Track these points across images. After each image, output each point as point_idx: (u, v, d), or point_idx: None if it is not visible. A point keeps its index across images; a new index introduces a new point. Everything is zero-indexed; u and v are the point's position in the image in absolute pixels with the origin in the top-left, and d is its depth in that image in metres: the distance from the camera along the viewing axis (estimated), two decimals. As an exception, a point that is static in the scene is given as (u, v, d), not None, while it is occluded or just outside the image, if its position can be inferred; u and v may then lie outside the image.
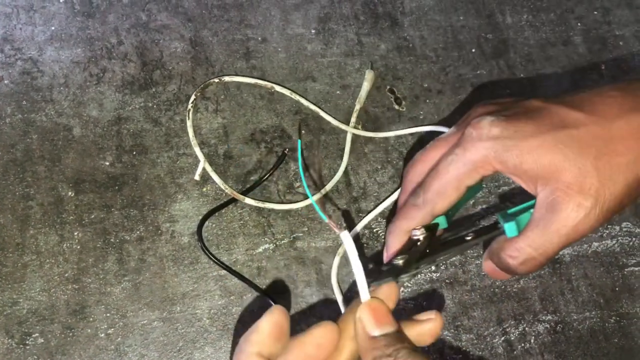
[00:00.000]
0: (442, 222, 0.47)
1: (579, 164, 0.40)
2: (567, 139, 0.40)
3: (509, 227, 0.44)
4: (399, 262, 0.43)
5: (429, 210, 0.45)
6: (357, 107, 0.62)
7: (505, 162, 0.41)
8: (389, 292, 0.41)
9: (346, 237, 0.40)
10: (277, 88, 0.62)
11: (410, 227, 0.46)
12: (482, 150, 0.42)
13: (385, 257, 0.49)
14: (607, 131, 0.40)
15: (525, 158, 0.41)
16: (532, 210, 0.43)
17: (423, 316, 0.41)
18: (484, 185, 0.52)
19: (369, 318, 0.39)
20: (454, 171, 0.43)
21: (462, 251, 0.46)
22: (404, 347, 0.38)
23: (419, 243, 0.45)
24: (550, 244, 0.41)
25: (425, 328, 0.41)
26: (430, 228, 0.46)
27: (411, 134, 0.62)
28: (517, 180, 0.43)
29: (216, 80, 0.62)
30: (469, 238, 0.45)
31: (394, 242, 0.48)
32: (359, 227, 0.58)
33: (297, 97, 0.62)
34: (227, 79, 0.62)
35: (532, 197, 0.43)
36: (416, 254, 0.44)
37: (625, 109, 0.41)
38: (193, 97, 0.61)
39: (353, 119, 0.62)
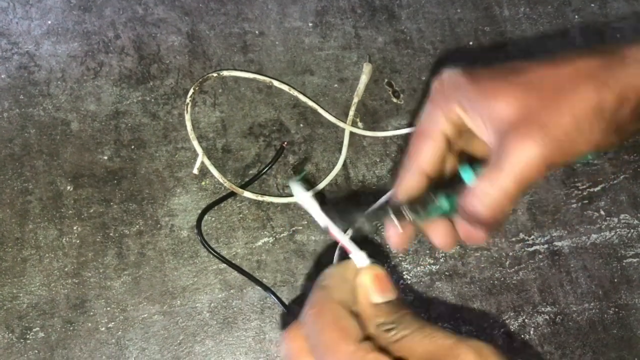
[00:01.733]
0: (445, 204, 0.47)
1: (525, 102, 0.40)
2: (516, 81, 0.42)
3: (465, 173, 0.44)
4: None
5: (415, 167, 0.45)
6: (355, 100, 0.62)
7: (465, 108, 0.43)
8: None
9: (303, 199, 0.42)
10: (276, 83, 0.62)
11: (407, 186, 0.46)
12: (446, 97, 0.44)
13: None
14: (555, 72, 0.42)
15: (480, 102, 0.42)
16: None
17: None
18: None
19: (372, 285, 0.40)
20: (426, 120, 0.45)
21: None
22: (406, 313, 0.38)
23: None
24: (509, 182, 0.41)
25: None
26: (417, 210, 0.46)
27: (409, 127, 0.62)
28: (476, 130, 0.43)
29: (214, 74, 0.62)
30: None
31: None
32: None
33: (296, 93, 0.62)
34: (225, 73, 0.62)
35: None
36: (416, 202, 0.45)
37: (574, 57, 0.42)
38: (192, 91, 0.61)
39: (351, 113, 0.62)
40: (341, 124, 0.61)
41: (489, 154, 0.42)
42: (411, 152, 0.46)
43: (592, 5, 0.69)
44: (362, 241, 0.49)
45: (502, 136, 0.41)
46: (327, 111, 0.62)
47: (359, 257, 0.41)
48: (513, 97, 0.41)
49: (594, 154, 0.63)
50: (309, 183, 0.59)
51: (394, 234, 0.46)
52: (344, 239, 0.42)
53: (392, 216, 0.44)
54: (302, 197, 0.43)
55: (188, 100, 0.60)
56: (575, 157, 0.42)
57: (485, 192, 0.42)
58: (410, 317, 0.38)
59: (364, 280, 0.40)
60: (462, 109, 0.43)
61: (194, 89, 0.61)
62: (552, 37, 0.67)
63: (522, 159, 0.40)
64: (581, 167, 0.62)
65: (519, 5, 0.69)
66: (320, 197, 0.59)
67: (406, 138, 0.62)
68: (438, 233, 0.47)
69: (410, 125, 0.62)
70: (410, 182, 0.46)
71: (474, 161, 0.46)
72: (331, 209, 0.44)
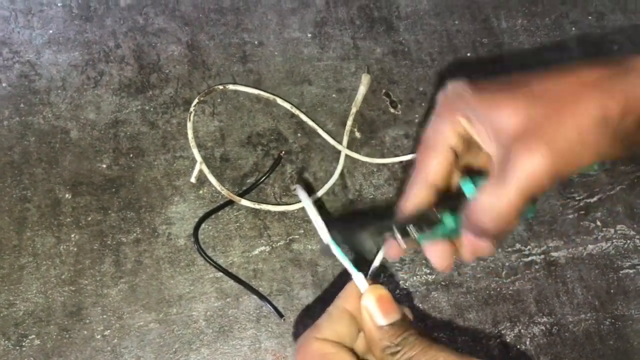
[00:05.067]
0: (450, 222, 0.46)
1: (529, 113, 0.40)
2: (520, 92, 0.41)
3: (466, 186, 0.44)
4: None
5: (422, 180, 0.45)
6: (354, 110, 0.62)
7: (470, 119, 0.43)
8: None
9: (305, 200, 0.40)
10: (279, 101, 0.62)
11: (414, 201, 0.45)
12: (450, 108, 0.43)
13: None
14: (559, 83, 0.41)
15: (484, 113, 0.41)
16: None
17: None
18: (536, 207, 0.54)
19: (376, 308, 0.40)
20: (432, 133, 0.45)
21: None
22: (410, 334, 0.39)
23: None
24: (514, 194, 0.40)
25: None
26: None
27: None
28: (481, 142, 0.43)
29: (220, 87, 0.62)
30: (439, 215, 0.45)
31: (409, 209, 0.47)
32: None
33: (297, 112, 0.62)
34: (231, 87, 0.62)
35: None
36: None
37: (577, 68, 0.42)
38: (196, 100, 0.61)
39: (349, 123, 0.62)
40: (338, 146, 0.61)
41: (493, 165, 0.42)
42: (418, 165, 0.45)
43: (590, 17, 0.70)
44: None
45: (506, 148, 0.41)
46: (325, 122, 0.62)
47: (358, 281, 0.41)
48: (517, 109, 0.41)
49: (599, 164, 0.63)
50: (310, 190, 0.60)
51: (395, 251, 0.46)
52: (344, 261, 0.42)
53: (398, 235, 0.44)
54: (311, 212, 0.42)
55: (192, 109, 0.61)
56: (580, 168, 0.42)
57: (491, 204, 0.41)
58: (414, 339, 0.39)
59: (367, 304, 0.41)
60: (467, 120, 0.43)
61: (199, 99, 0.61)
62: (550, 49, 0.68)
63: (527, 170, 0.40)
64: (578, 177, 0.62)
65: (517, 18, 0.69)
66: (319, 206, 0.59)
67: (402, 147, 0.62)
68: (437, 254, 0.47)
69: (406, 135, 0.62)
70: (417, 196, 0.45)
71: (476, 174, 0.46)
72: (333, 225, 0.44)
